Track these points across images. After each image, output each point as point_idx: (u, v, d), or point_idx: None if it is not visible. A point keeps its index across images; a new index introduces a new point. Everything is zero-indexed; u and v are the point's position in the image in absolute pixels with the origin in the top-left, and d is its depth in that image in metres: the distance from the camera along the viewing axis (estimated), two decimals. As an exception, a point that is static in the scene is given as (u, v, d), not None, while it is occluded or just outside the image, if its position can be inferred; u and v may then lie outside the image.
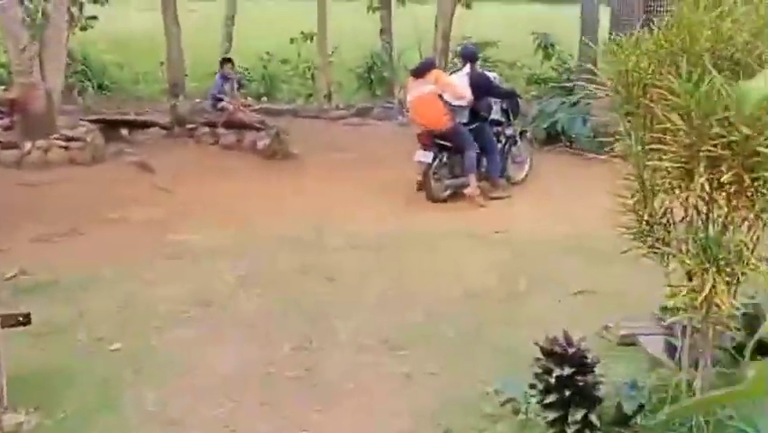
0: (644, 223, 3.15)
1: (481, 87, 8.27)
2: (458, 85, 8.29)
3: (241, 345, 4.79)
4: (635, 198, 3.17)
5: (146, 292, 5.61)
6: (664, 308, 4.52)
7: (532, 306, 5.35)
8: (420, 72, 8.41)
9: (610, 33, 12.82)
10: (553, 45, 15.06)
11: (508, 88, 9.39)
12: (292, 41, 16.20)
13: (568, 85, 13.94)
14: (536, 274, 5.90)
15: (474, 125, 8.22)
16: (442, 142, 8.10)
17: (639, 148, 3.06)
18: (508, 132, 8.68)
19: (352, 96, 14.58)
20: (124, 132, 10.69)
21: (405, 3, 16.93)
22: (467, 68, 8.53)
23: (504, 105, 8.57)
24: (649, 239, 3.16)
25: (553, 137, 10.77)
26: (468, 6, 16.26)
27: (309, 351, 4.71)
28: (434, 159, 8.05)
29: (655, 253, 3.19)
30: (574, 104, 10.76)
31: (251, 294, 5.55)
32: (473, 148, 8.11)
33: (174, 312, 5.26)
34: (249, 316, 5.20)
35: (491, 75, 8.74)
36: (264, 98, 14.16)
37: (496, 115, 8.48)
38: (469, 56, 8.63)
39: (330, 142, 10.95)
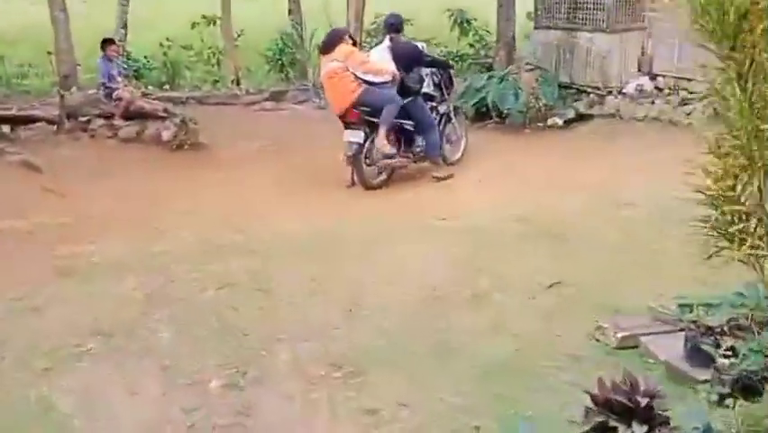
0: (738, 217, 2.19)
1: (411, 58, 7.26)
2: (376, 61, 7.28)
3: (154, 385, 3.68)
4: (728, 178, 2.20)
5: (30, 324, 4.38)
6: (683, 305, 3.70)
7: (503, 306, 4.44)
8: (328, 47, 7.33)
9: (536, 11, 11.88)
10: (468, 21, 14.24)
11: (440, 58, 8.35)
12: (194, 25, 14.79)
13: (487, 61, 13.21)
14: (498, 267, 4.99)
15: (406, 100, 7.21)
16: (372, 119, 7.06)
17: (746, 106, 2.08)
18: (442, 108, 7.74)
19: (263, 80, 13.34)
20: (5, 129, 9.14)
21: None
22: (386, 40, 7.49)
23: (436, 79, 7.60)
24: (747, 238, 2.21)
25: (482, 113, 9.94)
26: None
27: (243, 388, 3.64)
28: (365, 139, 7.02)
29: (755, 255, 2.25)
30: (502, 78, 9.95)
31: (164, 317, 4.41)
32: (394, 103, 7.01)
33: (66, 347, 4.07)
34: (163, 345, 4.08)
35: (419, 44, 7.70)
36: (166, 86, 12.73)
37: (428, 88, 7.48)
38: (392, 25, 7.49)
39: (244, 130, 9.74)
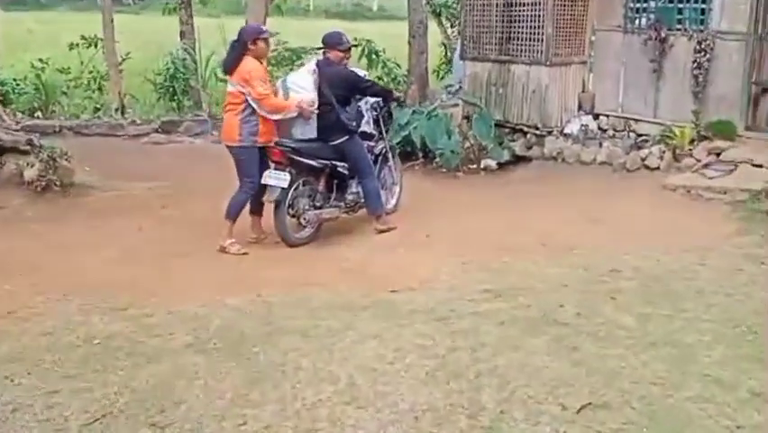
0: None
1: (348, 87, 5.59)
2: (273, 95, 5.50)
3: None
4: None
5: None
6: None
7: (525, 449, 2.88)
8: (229, 67, 5.49)
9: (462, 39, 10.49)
10: (377, 53, 12.88)
11: (384, 87, 6.69)
12: (72, 46, 12.59)
13: (398, 94, 11.90)
14: (497, 376, 3.43)
15: (341, 140, 5.57)
16: (301, 159, 5.40)
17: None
18: (378, 148, 6.14)
19: (152, 109, 11.32)
20: None
21: (207, 3, 13.92)
22: (312, 63, 5.78)
23: (374, 113, 5.99)
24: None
25: (407, 153, 8.46)
26: (281, 11, 13.66)
27: None
28: (290, 183, 5.34)
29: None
30: (430, 114, 8.51)
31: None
32: (251, 182, 5.49)
33: None
34: None
35: (360, 72, 6.01)
36: (38, 114, 10.48)
37: (366, 126, 5.89)
38: (325, 45, 5.72)
39: (130, 167, 7.79)
